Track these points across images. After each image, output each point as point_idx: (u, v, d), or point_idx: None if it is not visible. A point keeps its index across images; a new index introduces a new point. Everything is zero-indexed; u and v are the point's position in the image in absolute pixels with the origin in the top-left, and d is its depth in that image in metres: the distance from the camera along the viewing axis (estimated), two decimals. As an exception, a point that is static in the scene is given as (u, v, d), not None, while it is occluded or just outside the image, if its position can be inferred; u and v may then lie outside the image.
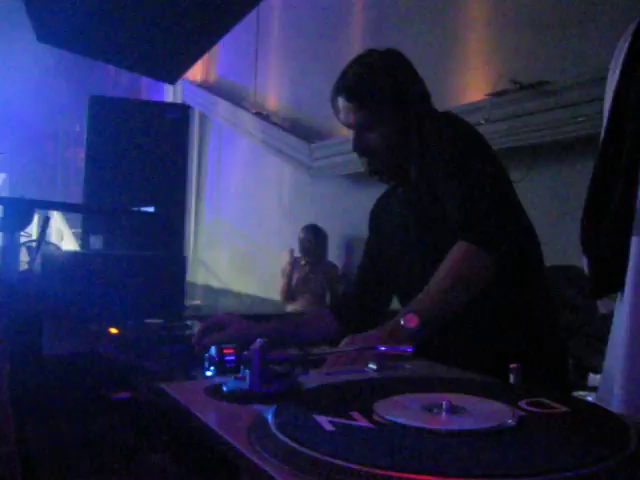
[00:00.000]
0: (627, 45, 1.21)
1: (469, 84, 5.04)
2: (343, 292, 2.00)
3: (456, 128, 1.68)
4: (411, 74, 1.73)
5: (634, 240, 1.12)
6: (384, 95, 1.67)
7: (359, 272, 1.97)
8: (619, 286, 1.19)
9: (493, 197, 1.57)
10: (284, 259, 6.57)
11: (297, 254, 6.45)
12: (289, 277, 6.36)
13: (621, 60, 1.22)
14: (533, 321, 1.72)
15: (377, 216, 1.96)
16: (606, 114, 1.24)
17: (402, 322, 1.40)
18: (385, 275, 1.88)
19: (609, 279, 1.23)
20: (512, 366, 0.97)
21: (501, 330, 1.67)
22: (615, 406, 1.18)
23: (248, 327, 1.63)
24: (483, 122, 4.27)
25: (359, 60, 1.74)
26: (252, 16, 3.35)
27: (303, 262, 6.34)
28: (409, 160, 1.73)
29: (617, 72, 1.22)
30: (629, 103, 1.17)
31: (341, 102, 1.71)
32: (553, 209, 4.05)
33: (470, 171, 1.59)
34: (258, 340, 0.94)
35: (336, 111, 1.73)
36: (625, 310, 1.14)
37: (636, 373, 1.12)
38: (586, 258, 1.26)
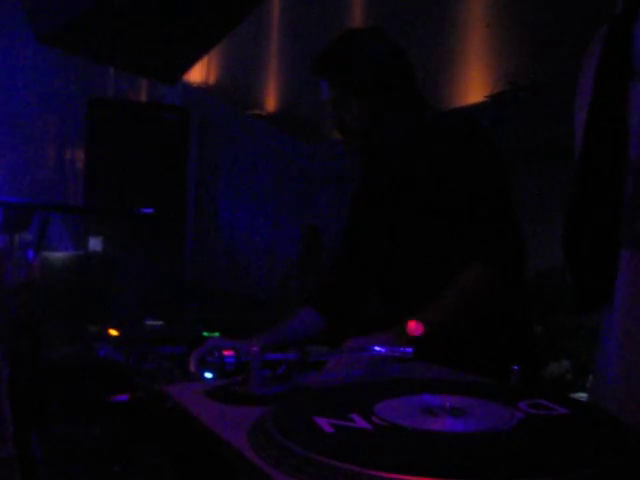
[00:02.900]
0: (598, 52, 1.20)
1: (469, 86, 5.04)
2: (319, 284, 1.96)
3: (480, 139, 1.68)
4: (391, 55, 1.71)
5: (623, 254, 1.11)
6: (356, 74, 1.66)
7: (338, 260, 1.94)
8: (604, 300, 1.18)
9: (510, 221, 1.61)
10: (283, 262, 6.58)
11: (296, 255, 6.46)
12: (286, 280, 6.38)
13: (593, 68, 1.20)
14: (519, 323, 1.75)
15: (357, 203, 1.94)
16: (579, 127, 1.23)
17: (407, 329, 1.40)
18: (364, 263, 1.86)
19: (594, 294, 1.22)
20: (512, 368, 0.97)
21: (494, 333, 1.68)
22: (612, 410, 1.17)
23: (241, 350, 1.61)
24: (482, 124, 4.27)
25: (338, 39, 1.74)
26: (252, 17, 3.35)
27: (302, 264, 6.34)
28: (391, 145, 1.73)
29: (590, 79, 1.21)
30: (607, 113, 1.16)
31: (318, 78, 1.72)
32: (552, 210, 4.05)
33: (492, 195, 1.61)
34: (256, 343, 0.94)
35: (319, 88, 1.74)
36: (616, 325, 1.14)
37: (628, 387, 1.12)
38: (569, 274, 1.25)
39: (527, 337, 1.77)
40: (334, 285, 1.89)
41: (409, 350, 1.18)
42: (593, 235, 1.20)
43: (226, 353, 1.23)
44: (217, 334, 1.89)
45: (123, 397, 1.16)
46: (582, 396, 2.89)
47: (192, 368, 1.44)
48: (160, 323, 2.11)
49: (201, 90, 10.22)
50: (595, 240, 1.20)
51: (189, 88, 10.06)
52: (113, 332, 1.84)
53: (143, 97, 11.10)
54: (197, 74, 10.24)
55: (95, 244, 4.74)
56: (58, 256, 4.10)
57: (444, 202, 1.63)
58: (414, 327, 1.40)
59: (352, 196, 1.96)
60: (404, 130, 1.72)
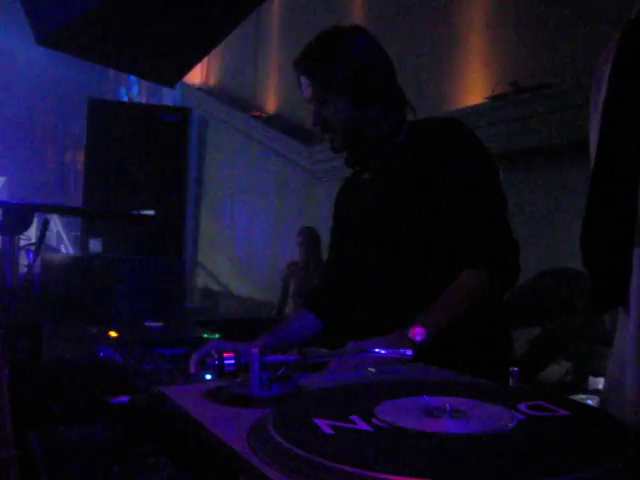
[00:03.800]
0: (612, 60, 1.20)
1: (469, 87, 5.04)
2: (314, 286, 1.97)
3: (470, 143, 1.68)
4: (373, 52, 1.71)
5: (636, 252, 1.11)
6: (338, 70, 1.66)
7: (327, 263, 1.96)
8: (621, 299, 1.18)
9: (504, 224, 1.61)
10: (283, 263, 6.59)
11: (295, 257, 6.46)
12: (286, 281, 6.39)
13: (606, 77, 1.20)
14: (503, 325, 1.77)
15: (341, 203, 1.95)
16: (594, 130, 1.23)
17: (409, 334, 1.40)
18: (351, 264, 1.86)
19: (611, 293, 1.22)
20: (511, 369, 0.97)
21: (486, 335, 1.70)
22: (626, 416, 1.16)
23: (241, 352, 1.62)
24: (483, 125, 4.28)
25: (320, 36, 1.74)
26: (251, 18, 3.35)
27: (301, 265, 6.35)
28: (372, 144, 1.73)
29: (603, 89, 1.20)
30: (622, 116, 1.16)
31: (300, 75, 1.72)
32: (551, 212, 4.05)
33: (486, 197, 1.61)
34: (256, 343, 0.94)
35: (299, 85, 1.74)
36: (631, 324, 1.13)
37: None
38: (588, 273, 1.25)
39: (509, 338, 1.79)
40: (327, 287, 1.90)
41: (409, 352, 1.18)
42: (610, 232, 1.19)
43: (226, 355, 1.23)
44: (217, 336, 1.89)
45: (123, 399, 1.16)
46: (582, 398, 2.89)
47: (192, 370, 1.44)
48: (160, 325, 2.11)
49: (201, 91, 10.23)
50: (612, 238, 1.19)
51: (189, 89, 10.08)
52: (113, 334, 1.84)
53: (143, 99, 11.12)
54: (197, 75, 10.26)
55: (95, 246, 4.74)
56: (58, 258, 4.10)
57: (433, 204, 1.62)
58: (417, 332, 1.40)
59: (336, 197, 1.97)
60: (386, 127, 1.72)
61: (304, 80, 1.71)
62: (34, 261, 1.85)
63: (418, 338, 1.40)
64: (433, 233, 1.63)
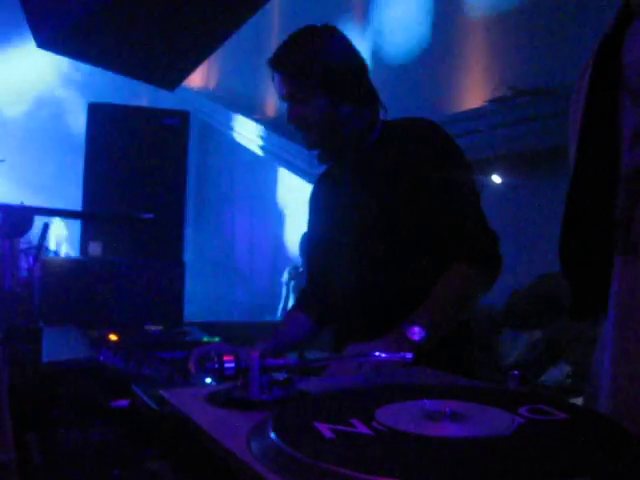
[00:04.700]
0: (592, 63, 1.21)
1: (468, 91, 5.05)
2: (302, 289, 1.98)
3: (442, 139, 1.69)
4: (344, 52, 1.73)
5: (617, 260, 1.11)
6: (310, 69, 1.67)
7: (308, 265, 1.97)
8: (601, 308, 1.18)
9: (480, 216, 1.63)
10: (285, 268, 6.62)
11: (296, 261, 6.48)
12: (288, 285, 6.41)
13: (587, 79, 1.21)
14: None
15: (315, 203, 1.96)
16: (574, 136, 1.24)
17: (407, 334, 1.41)
18: (332, 265, 1.87)
19: (590, 301, 1.22)
20: (511, 373, 0.97)
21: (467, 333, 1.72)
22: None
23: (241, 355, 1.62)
24: (482, 128, 4.28)
25: (297, 34, 1.76)
26: (252, 22, 3.36)
27: (302, 269, 6.36)
28: (346, 142, 1.74)
29: (584, 91, 1.21)
30: (600, 123, 1.17)
31: (274, 73, 1.74)
32: (551, 215, 4.05)
33: (464, 192, 1.63)
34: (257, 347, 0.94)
35: (274, 84, 1.75)
36: (609, 331, 1.14)
37: (621, 396, 1.11)
38: (567, 281, 1.25)
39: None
40: (314, 288, 1.91)
41: (409, 355, 1.18)
42: (588, 242, 1.20)
43: (226, 359, 1.23)
44: (217, 339, 1.89)
45: (123, 402, 1.16)
46: (582, 401, 2.88)
47: (192, 368, 1.44)
48: (160, 328, 2.11)
49: (201, 95, 10.24)
50: (591, 247, 1.20)
51: (189, 93, 10.08)
52: (113, 337, 1.84)
53: (143, 102, 11.11)
54: (197, 79, 10.27)
55: (95, 249, 4.73)
56: (58, 261, 4.09)
57: (408, 203, 1.63)
58: (414, 331, 1.40)
59: (311, 196, 1.97)
60: (360, 125, 1.73)
61: (279, 78, 1.72)
62: (34, 264, 1.85)
63: (416, 337, 1.40)
64: (410, 232, 1.64)
